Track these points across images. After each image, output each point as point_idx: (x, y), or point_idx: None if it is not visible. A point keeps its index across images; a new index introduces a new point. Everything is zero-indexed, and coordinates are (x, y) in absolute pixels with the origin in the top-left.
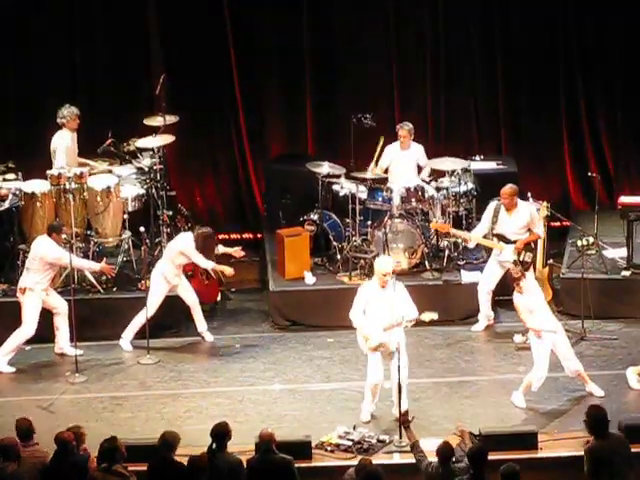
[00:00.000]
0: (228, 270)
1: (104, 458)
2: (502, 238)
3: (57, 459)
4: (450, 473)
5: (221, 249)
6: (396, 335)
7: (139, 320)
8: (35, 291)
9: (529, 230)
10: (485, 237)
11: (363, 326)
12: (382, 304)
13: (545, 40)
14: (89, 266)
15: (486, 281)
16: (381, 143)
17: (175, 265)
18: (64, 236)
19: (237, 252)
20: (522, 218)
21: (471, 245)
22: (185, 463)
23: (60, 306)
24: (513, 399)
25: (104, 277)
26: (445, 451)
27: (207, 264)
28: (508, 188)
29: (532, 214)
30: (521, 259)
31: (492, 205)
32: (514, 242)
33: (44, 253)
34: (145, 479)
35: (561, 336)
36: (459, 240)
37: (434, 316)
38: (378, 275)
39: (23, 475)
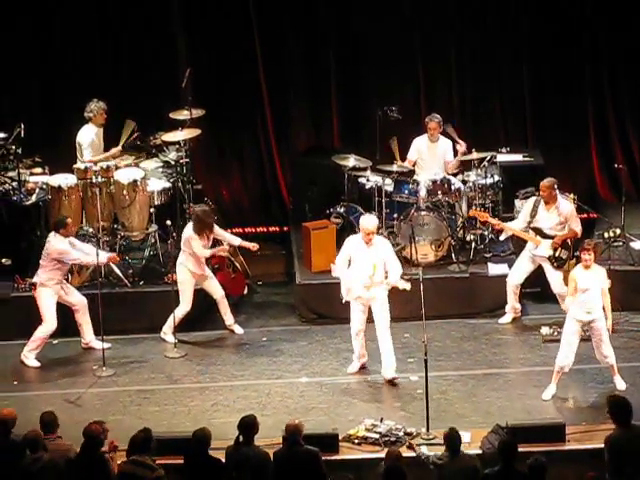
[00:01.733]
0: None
1: (136, 449)
2: (539, 232)
3: (85, 452)
4: (461, 461)
5: (239, 242)
6: (376, 291)
7: (177, 314)
8: (47, 286)
9: (566, 227)
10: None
11: (342, 278)
12: (366, 260)
13: (571, 34)
14: (92, 261)
15: (516, 275)
16: (395, 144)
17: (188, 253)
18: (90, 229)
19: (254, 246)
20: (560, 215)
21: (502, 237)
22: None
23: (78, 303)
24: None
25: (131, 270)
26: (452, 438)
27: (203, 253)
28: (546, 181)
29: (570, 211)
30: (557, 255)
31: (532, 199)
32: (551, 237)
33: (50, 249)
34: (181, 474)
35: (601, 324)
36: (485, 232)
37: (407, 286)
38: (362, 233)
39: (58, 463)
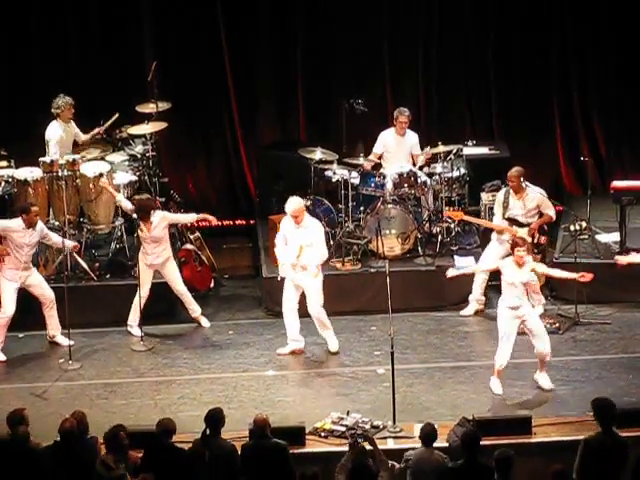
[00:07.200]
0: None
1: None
2: (514, 222)
3: (63, 448)
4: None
5: (195, 217)
6: (303, 276)
7: (136, 301)
8: (4, 271)
9: (540, 213)
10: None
11: (278, 256)
12: (296, 241)
13: (537, 25)
14: (56, 241)
15: (487, 260)
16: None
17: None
18: (56, 222)
19: (212, 219)
20: (532, 201)
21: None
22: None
23: (44, 296)
24: (491, 386)
25: (97, 264)
26: (428, 433)
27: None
28: (514, 170)
29: (541, 197)
30: (535, 241)
31: (502, 191)
32: (527, 225)
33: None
34: (142, 465)
35: (533, 319)
36: (452, 225)
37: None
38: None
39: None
